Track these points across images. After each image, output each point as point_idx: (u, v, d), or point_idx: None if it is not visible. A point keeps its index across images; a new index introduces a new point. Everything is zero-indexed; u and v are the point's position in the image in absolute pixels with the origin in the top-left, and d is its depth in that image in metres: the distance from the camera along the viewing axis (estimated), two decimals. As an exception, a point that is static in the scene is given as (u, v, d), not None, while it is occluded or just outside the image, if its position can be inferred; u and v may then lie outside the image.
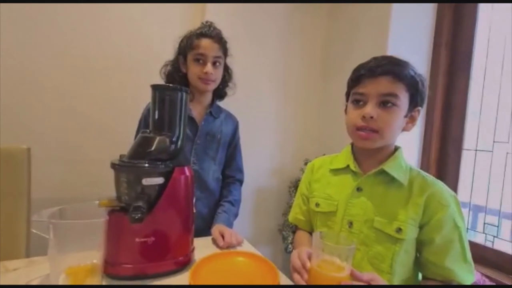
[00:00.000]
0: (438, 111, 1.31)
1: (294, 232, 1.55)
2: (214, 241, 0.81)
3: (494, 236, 1.16)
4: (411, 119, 0.67)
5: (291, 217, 0.87)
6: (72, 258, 0.58)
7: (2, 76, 1.12)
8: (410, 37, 1.31)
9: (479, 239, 1.21)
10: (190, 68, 0.97)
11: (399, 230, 0.62)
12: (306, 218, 0.82)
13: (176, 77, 1.00)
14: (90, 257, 0.60)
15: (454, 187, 1.27)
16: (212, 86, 1.00)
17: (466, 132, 1.25)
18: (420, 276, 0.69)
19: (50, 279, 0.56)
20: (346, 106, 0.72)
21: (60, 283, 0.55)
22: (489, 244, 1.17)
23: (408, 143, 1.34)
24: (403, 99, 0.63)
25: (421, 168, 1.35)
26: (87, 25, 1.23)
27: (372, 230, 0.65)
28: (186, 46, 0.96)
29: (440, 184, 0.66)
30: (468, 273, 0.62)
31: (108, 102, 1.30)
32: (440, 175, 1.32)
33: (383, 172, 0.66)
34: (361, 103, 0.65)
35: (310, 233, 0.82)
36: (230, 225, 0.97)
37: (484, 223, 1.20)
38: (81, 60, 1.24)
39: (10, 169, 0.80)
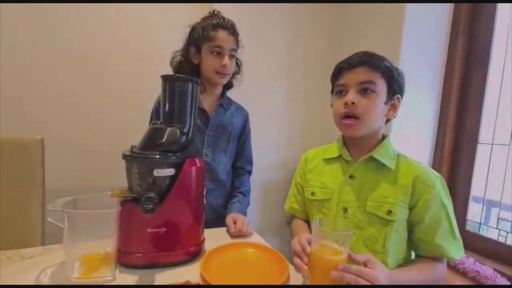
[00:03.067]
0: (453, 103, 1.27)
1: (289, 223, 1.57)
2: (228, 229, 0.83)
3: (507, 232, 1.14)
4: (392, 107, 0.72)
5: (287, 207, 0.90)
6: (85, 246, 0.60)
7: (18, 70, 1.13)
8: (425, 26, 1.26)
9: (493, 234, 1.19)
10: (205, 60, 0.95)
11: (389, 212, 0.65)
12: (301, 207, 0.85)
13: (187, 68, 0.98)
14: (103, 246, 0.61)
15: (467, 181, 1.24)
16: (227, 79, 0.99)
17: (482, 125, 1.21)
18: (413, 255, 0.73)
19: (65, 266, 0.57)
20: (332, 101, 0.78)
21: (75, 270, 0.56)
22: (502, 240, 1.15)
23: (420, 136, 1.31)
24: (381, 86, 0.68)
25: (434, 162, 1.34)
26: (96, 22, 1.23)
27: (365, 214, 0.68)
28: (201, 37, 0.94)
29: (425, 167, 0.70)
30: (457, 248, 0.67)
31: (119, 94, 1.31)
32: (454, 170, 1.29)
33: (372, 159, 0.70)
34: (343, 93, 0.71)
35: (306, 221, 0.86)
36: (244, 214, 0.98)
37: (498, 218, 1.17)
38: (94, 54, 1.24)
39: (25, 159, 0.82)
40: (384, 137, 0.75)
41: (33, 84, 1.17)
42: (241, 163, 1.09)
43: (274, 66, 1.60)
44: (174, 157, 0.62)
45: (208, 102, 1.00)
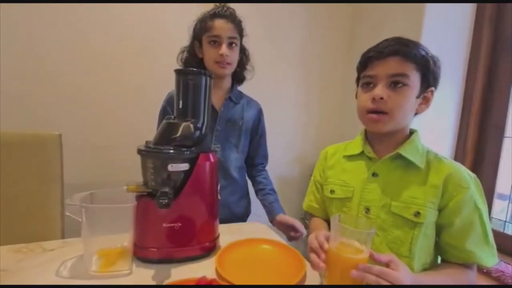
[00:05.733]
0: (477, 95, 1.20)
1: (303, 219, 1.53)
2: (284, 230, 0.87)
3: (535, 230, 1.08)
4: (425, 100, 0.66)
5: (305, 205, 0.87)
6: (103, 240, 0.61)
7: (37, 68, 1.16)
8: (448, 14, 1.19)
9: (519, 232, 1.13)
10: (205, 52, 0.93)
11: (417, 214, 0.61)
12: (320, 206, 0.82)
13: (193, 63, 0.97)
14: (120, 240, 0.62)
15: (492, 177, 1.18)
16: (229, 70, 0.95)
17: (509, 118, 1.15)
18: (439, 260, 0.68)
19: (84, 259, 0.58)
20: (357, 92, 0.72)
21: (93, 263, 0.57)
22: (529, 239, 1.09)
23: (442, 129, 1.26)
24: (414, 79, 0.62)
25: (456, 157, 1.28)
26: (111, 22, 1.24)
27: (390, 215, 0.64)
28: (200, 29, 0.92)
29: (458, 166, 0.64)
30: (490, 255, 0.61)
31: (134, 92, 1.32)
32: (477, 165, 1.23)
33: (399, 156, 0.65)
34: (371, 85, 0.65)
35: (325, 220, 0.83)
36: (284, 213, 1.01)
37: (526, 216, 1.11)
38: (109, 54, 1.26)
39: (43, 155, 0.84)
40: (412, 132, 0.69)
41: (51, 83, 1.19)
42: (259, 159, 1.09)
43: (290, 60, 1.57)
44: (188, 152, 0.61)
45: (216, 96, 0.98)
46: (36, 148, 0.83)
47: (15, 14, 1.11)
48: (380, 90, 0.62)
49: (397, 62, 0.61)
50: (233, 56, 0.94)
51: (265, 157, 1.11)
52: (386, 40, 0.64)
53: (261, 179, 1.07)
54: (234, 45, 0.93)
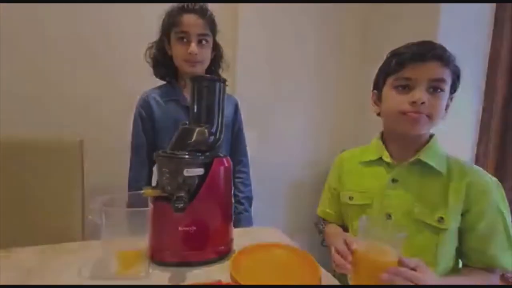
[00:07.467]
0: (499, 96, 1.16)
1: (316, 224, 1.50)
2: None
3: None
4: (446, 107, 0.65)
5: (319, 211, 0.86)
6: (121, 242, 0.62)
7: (59, 73, 1.21)
8: (466, 12, 1.16)
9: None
10: (174, 49, 0.87)
11: (441, 219, 0.60)
12: (336, 212, 0.81)
13: (161, 60, 0.91)
14: (138, 243, 0.64)
15: (517, 181, 1.12)
16: (199, 68, 0.89)
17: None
18: (460, 264, 0.67)
19: (103, 261, 0.60)
20: (375, 95, 0.71)
21: (112, 265, 0.59)
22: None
23: (463, 131, 1.21)
24: (448, 85, 0.62)
25: (477, 161, 1.23)
26: (125, 23, 1.28)
27: (412, 221, 0.63)
28: (168, 24, 0.87)
29: (480, 171, 0.64)
30: None
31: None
32: (499, 168, 1.18)
33: (419, 162, 0.64)
34: (406, 88, 0.63)
35: (341, 226, 0.82)
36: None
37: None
38: (131, 57, 1.26)
39: (65, 160, 0.87)
40: (430, 136, 0.68)
41: (73, 87, 1.24)
42: (237, 156, 1.04)
43: (303, 55, 1.56)
44: (203, 157, 0.62)
45: (188, 95, 0.89)
46: (58, 154, 0.86)
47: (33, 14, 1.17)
48: (421, 93, 0.60)
49: (438, 66, 0.60)
50: (204, 54, 0.88)
51: (244, 153, 1.06)
52: (418, 44, 0.63)
53: (237, 183, 1.02)
54: (204, 42, 0.87)
